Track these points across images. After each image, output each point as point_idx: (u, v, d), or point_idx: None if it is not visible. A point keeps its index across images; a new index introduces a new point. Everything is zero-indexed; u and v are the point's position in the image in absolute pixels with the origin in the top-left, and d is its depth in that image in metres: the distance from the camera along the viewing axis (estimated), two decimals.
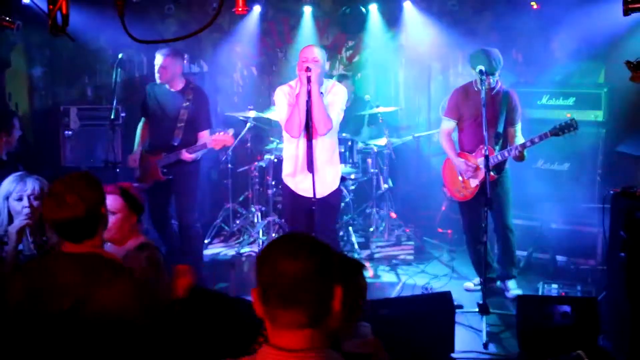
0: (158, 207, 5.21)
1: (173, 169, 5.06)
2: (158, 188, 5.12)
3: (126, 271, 2.31)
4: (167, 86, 5.09)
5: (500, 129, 4.80)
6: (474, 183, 4.88)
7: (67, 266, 2.18)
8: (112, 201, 2.95)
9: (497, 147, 4.79)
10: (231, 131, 5.01)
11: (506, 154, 4.72)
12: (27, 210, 3.21)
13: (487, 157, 4.33)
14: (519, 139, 4.82)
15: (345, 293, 1.82)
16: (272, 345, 1.56)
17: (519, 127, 4.89)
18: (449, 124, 4.99)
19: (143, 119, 5.34)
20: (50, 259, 2.30)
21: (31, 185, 3.25)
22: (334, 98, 4.30)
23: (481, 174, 4.73)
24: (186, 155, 4.97)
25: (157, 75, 5.04)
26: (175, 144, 5.03)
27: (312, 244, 1.61)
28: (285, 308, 1.56)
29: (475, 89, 4.78)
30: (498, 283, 5.16)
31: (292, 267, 1.55)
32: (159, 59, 5.01)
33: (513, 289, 5.01)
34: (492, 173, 4.54)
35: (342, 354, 1.69)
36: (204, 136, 5.08)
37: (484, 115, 4.39)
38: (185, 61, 6.99)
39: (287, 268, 1.55)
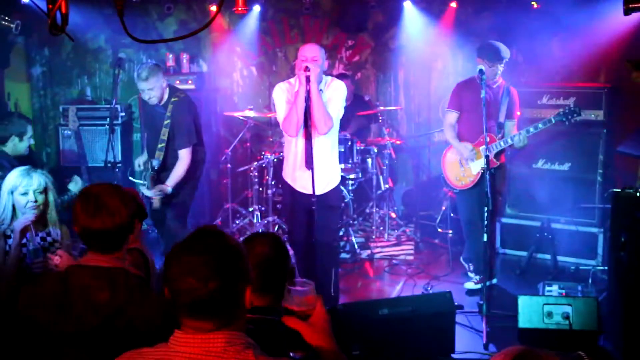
0: (157, 211, 5.17)
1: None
2: None
3: (151, 286, 2.27)
4: None
5: (502, 119, 4.93)
6: (475, 169, 4.94)
7: (96, 283, 2.08)
8: None
9: (499, 136, 4.91)
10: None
11: (509, 141, 4.83)
12: (32, 205, 3.21)
13: (487, 157, 4.36)
14: (513, 133, 4.93)
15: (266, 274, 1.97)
16: (183, 330, 1.56)
17: (515, 122, 5.02)
18: (451, 115, 5.14)
19: None
20: (76, 273, 2.15)
21: (37, 179, 3.25)
22: (333, 94, 4.24)
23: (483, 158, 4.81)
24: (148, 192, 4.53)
25: (150, 101, 4.65)
26: (155, 167, 4.64)
27: (215, 257, 1.54)
28: (192, 319, 1.55)
29: (478, 82, 4.81)
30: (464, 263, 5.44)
31: (196, 287, 1.50)
32: (142, 84, 4.56)
33: (471, 279, 5.20)
34: (494, 159, 4.76)
35: (283, 310, 1.69)
36: (184, 155, 4.66)
37: (484, 115, 4.46)
38: (186, 61, 6.97)
39: (191, 287, 1.51)
